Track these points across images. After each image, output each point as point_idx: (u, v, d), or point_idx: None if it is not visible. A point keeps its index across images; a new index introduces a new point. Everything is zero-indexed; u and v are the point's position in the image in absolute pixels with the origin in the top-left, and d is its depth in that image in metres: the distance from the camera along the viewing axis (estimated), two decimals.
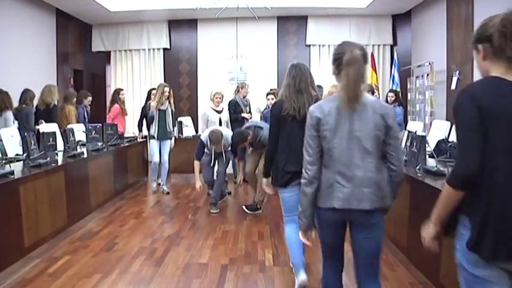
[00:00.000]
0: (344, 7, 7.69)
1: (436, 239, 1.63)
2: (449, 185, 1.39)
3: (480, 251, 1.33)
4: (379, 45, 8.39)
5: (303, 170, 1.91)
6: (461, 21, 6.01)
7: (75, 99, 6.23)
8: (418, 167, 3.22)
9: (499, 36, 1.37)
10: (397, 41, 8.35)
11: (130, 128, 7.81)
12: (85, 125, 5.66)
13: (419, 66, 7.34)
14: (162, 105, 5.49)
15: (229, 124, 5.71)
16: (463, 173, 1.35)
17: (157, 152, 5.62)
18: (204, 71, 8.55)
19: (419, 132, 3.88)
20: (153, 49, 8.67)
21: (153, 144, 5.62)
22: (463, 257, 1.41)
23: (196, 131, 7.03)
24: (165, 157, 5.66)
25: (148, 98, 6.29)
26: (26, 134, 4.07)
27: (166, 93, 5.50)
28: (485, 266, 1.34)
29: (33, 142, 3.84)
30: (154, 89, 6.10)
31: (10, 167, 3.28)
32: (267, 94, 5.88)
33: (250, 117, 6.18)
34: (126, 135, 6.37)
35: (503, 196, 1.31)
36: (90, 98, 6.72)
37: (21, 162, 3.75)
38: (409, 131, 4.01)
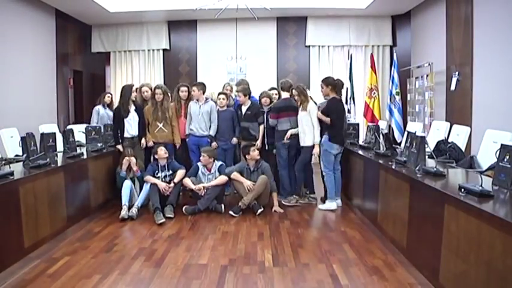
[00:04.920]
0: (343, 8, 7.70)
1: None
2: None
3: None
4: (378, 46, 8.40)
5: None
6: (460, 22, 6.01)
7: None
8: (417, 168, 3.22)
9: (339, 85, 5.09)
10: (397, 41, 8.36)
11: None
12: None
13: (418, 67, 7.35)
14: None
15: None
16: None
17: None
18: (204, 72, 8.55)
19: (419, 133, 3.88)
20: (153, 50, 8.68)
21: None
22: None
23: None
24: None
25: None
26: None
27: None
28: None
29: (32, 143, 3.84)
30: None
31: (10, 167, 3.28)
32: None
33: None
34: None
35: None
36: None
37: (21, 163, 3.75)
38: (408, 132, 4.01)
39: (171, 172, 4.85)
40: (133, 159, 4.87)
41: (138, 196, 4.74)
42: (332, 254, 3.43)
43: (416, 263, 2.98)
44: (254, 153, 4.88)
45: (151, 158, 5.07)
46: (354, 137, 5.44)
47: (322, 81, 4.96)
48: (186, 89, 5.47)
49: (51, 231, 3.64)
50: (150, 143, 5.25)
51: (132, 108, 5.24)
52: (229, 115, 5.42)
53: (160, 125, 5.24)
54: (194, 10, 6.79)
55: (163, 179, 4.78)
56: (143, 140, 5.28)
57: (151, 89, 5.52)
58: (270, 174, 4.85)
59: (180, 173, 4.80)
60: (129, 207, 4.54)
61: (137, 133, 5.27)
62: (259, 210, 4.61)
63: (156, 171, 4.82)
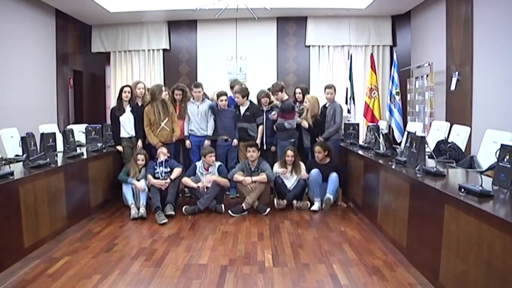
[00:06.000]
0: (343, 8, 7.70)
1: None
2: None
3: None
4: (378, 46, 8.41)
5: None
6: (460, 22, 6.01)
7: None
8: (417, 168, 3.22)
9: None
10: (397, 41, 8.36)
11: None
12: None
13: (418, 67, 7.35)
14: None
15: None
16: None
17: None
18: (204, 72, 8.55)
19: (419, 133, 3.88)
20: (153, 50, 8.68)
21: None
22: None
23: None
24: None
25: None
26: None
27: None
28: None
29: (32, 143, 3.84)
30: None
31: (10, 167, 3.28)
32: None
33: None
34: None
35: None
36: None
37: (21, 163, 3.75)
38: (408, 132, 4.01)
39: (169, 169, 4.84)
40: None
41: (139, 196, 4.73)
42: (332, 254, 3.43)
43: (416, 263, 2.99)
44: (248, 154, 4.83)
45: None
46: (354, 137, 5.44)
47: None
48: (181, 92, 5.40)
49: (51, 231, 3.64)
50: (159, 146, 5.02)
51: (128, 108, 5.19)
52: (230, 114, 5.43)
53: (163, 124, 5.13)
54: (194, 10, 6.79)
55: (161, 175, 4.78)
56: (139, 142, 5.19)
57: (145, 87, 5.44)
58: (270, 171, 4.83)
59: (177, 170, 4.80)
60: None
61: (134, 133, 5.21)
62: (268, 210, 4.60)
63: (155, 167, 4.84)
